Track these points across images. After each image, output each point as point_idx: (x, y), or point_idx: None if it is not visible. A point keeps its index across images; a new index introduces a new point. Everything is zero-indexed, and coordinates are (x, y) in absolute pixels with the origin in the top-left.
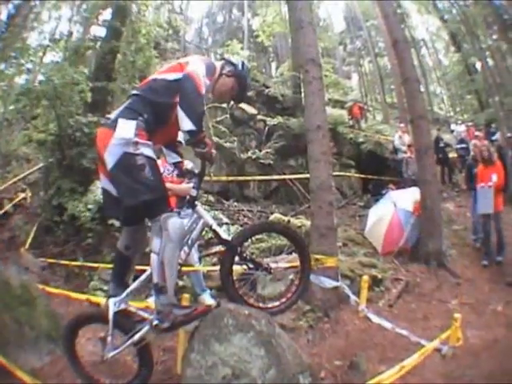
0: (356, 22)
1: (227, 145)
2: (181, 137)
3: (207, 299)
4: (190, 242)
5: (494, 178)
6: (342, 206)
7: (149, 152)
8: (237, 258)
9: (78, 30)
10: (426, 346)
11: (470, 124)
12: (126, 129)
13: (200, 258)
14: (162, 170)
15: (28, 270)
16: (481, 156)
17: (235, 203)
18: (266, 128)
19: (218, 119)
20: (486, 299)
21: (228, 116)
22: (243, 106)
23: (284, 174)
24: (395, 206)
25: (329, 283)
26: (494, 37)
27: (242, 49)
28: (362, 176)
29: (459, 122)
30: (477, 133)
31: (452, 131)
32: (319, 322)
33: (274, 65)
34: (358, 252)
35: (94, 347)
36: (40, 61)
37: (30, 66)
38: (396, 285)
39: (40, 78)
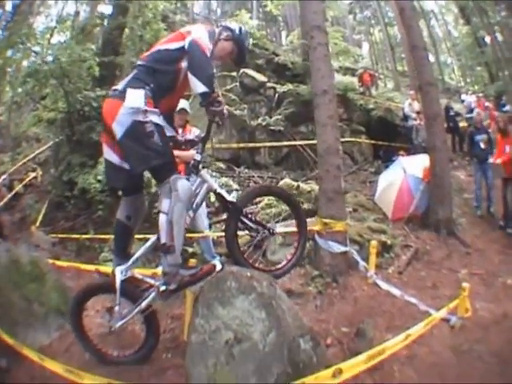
0: None
1: (237, 112)
2: (185, 105)
3: (218, 266)
4: (194, 206)
5: (508, 148)
6: (352, 171)
7: (157, 119)
8: (241, 221)
9: (84, 9)
10: (433, 314)
11: (480, 95)
12: (136, 98)
13: (210, 225)
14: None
15: (39, 248)
16: (497, 126)
17: (246, 170)
18: (276, 95)
19: (228, 87)
20: (496, 271)
21: (238, 84)
22: (253, 73)
23: (294, 140)
24: (405, 172)
25: (337, 248)
26: (503, 14)
27: (250, 18)
28: (373, 142)
29: (470, 92)
30: (487, 103)
31: (462, 101)
32: (328, 287)
33: (284, 34)
34: (368, 218)
35: (101, 319)
36: (48, 43)
37: (37, 48)
38: (406, 252)
39: (49, 58)
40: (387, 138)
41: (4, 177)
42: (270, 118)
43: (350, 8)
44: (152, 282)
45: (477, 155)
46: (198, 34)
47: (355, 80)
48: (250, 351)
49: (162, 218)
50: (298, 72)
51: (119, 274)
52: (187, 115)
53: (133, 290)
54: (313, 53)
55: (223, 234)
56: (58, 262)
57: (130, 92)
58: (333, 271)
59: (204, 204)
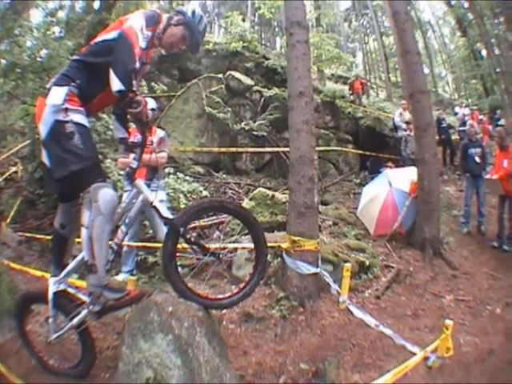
0: (362, 1)
1: (220, 115)
2: (152, 104)
3: None
4: (127, 220)
5: (505, 163)
6: (336, 182)
7: (79, 119)
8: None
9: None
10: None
11: (474, 108)
12: (56, 95)
13: None
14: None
15: (5, 245)
16: (496, 143)
17: (224, 175)
18: (262, 99)
19: (213, 89)
20: (484, 298)
21: (223, 87)
22: (239, 76)
23: (278, 146)
24: (390, 186)
25: (306, 269)
26: (501, 27)
27: (243, 20)
28: (360, 152)
29: (463, 104)
30: (480, 116)
31: (456, 114)
32: (293, 312)
33: (278, 39)
34: (349, 232)
35: (41, 328)
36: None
37: (30, 42)
38: (386, 273)
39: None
40: (375, 148)
41: None
42: (254, 122)
43: (346, 15)
44: (85, 298)
45: (470, 169)
46: (132, 21)
47: (346, 88)
48: None
49: (83, 233)
50: (287, 77)
51: (52, 286)
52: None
53: (66, 303)
54: (290, 51)
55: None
56: (12, 264)
57: (52, 89)
58: (300, 294)
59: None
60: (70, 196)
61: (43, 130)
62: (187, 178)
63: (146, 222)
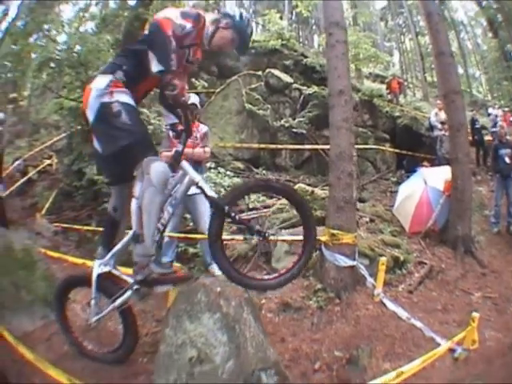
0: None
1: (260, 112)
2: (195, 100)
3: (217, 270)
4: (174, 201)
5: None
6: (373, 180)
7: (125, 98)
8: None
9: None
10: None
11: (506, 109)
12: (100, 81)
13: None
14: None
15: (40, 235)
16: None
17: (264, 171)
18: (302, 97)
19: (253, 86)
20: (511, 295)
21: (263, 84)
22: (279, 73)
23: (317, 143)
24: (425, 184)
25: (344, 261)
26: None
27: (281, 18)
28: (397, 151)
29: (496, 106)
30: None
31: (489, 115)
32: (329, 303)
33: (316, 37)
34: (384, 229)
35: (83, 312)
36: (76, 31)
37: (64, 37)
38: (419, 269)
39: (77, 48)
40: (412, 147)
41: (18, 162)
42: (294, 119)
43: (382, 14)
44: (129, 280)
45: (500, 170)
46: (164, 12)
47: (383, 87)
48: (210, 375)
49: (133, 204)
50: (325, 75)
51: (96, 268)
52: (196, 110)
53: (109, 285)
54: (330, 50)
55: (229, 237)
56: (49, 252)
57: (97, 77)
58: (337, 286)
59: (207, 203)
60: (120, 178)
61: (90, 114)
62: (228, 172)
63: (188, 216)
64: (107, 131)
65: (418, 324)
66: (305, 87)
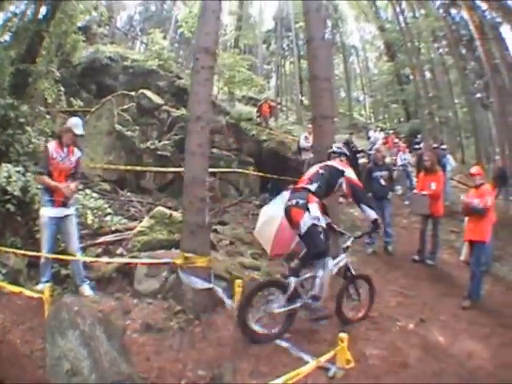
0: (286, 22)
1: (128, 133)
2: (75, 125)
3: (87, 290)
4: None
5: (433, 186)
6: (235, 203)
7: (323, 223)
8: None
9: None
10: (298, 369)
11: (390, 132)
12: (314, 210)
13: (83, 248)
14: (54, 155)
15: None
16: (423, 165)
17: (128, 193)
18: (169, 119)
19: (125, 107)
20: (393, 314)
21: (135, 104)
22: (150, 95)
23: (180, 166)
24: None
25: (200, 284)
26: (441, 50)
27: (164, 38)
28: (260, 174)
29: (378, 128)
30: (396, 140)
31: (369, 138)
32: (190, 324)
33: None
34: (245, 252)
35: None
36: None
37: None
38: None
39: None
40: (278, 170)
41: None
42: (160, 142)
43: (266, 37)
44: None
45: (374, 191)
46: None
47: (255, 110)
48: None
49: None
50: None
51: (292, 283)
52: (75, 136)
53: (293, 293)
54: (195, 76)
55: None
56: None
57: (312, 206)
58: (196, 308)
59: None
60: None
61: (302, 226)
62: (94, 194)
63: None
64: (312, 242)
65: (284, 344)
66: (174, 109)
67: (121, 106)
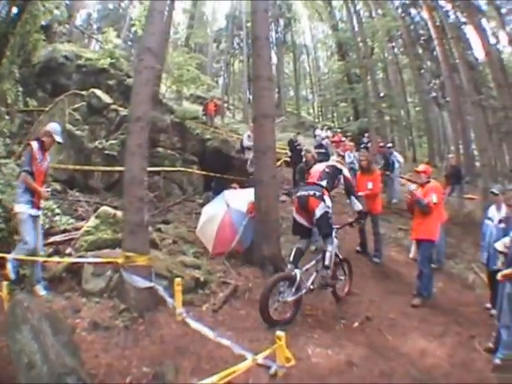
0: (238, 21)
1: (78, 133)
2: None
3: (40, 290)
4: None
5: (370, 185)
6: (179, 202)
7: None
8: None
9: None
10: (235, 367)
11: (337, 130)
12: (327, 201)
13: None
14: (37, 156)
15: None
16: (360, 165)
17: (77, 193)
18: (117, 118)
19: (76, 106)
20: (338, 312)
21: (85, 104)
22: (100, 94)
23: None
24: (228, 206)
25: (142, 283)
26: (395, 50)
27: (117, 37)
28: (204, 173)
29: (325, 127)
30: (343, 138)
31: (315, 136)
32: (134, 322)
33: None
34: (188, 251)
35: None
36: None
37: None
38: (223, 289)
39: None
40: (221, 169)
41: None
42: (107, 141)
43: (216, 36)
44: (307, 284)
45: None
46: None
47: (201, 109)
48: (38, 378)
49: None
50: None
51: (298, 274)
52: (53, 142)
53: (299, 284)
54: (137, 76)
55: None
56: None
57: (326, 198)
58: (139, 306)
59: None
60: (308, 236)
61: (318, 213)
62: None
63: None
64: (324, 224)
65: (226, 342)
66: (122, 108)
67: (72, 106)
